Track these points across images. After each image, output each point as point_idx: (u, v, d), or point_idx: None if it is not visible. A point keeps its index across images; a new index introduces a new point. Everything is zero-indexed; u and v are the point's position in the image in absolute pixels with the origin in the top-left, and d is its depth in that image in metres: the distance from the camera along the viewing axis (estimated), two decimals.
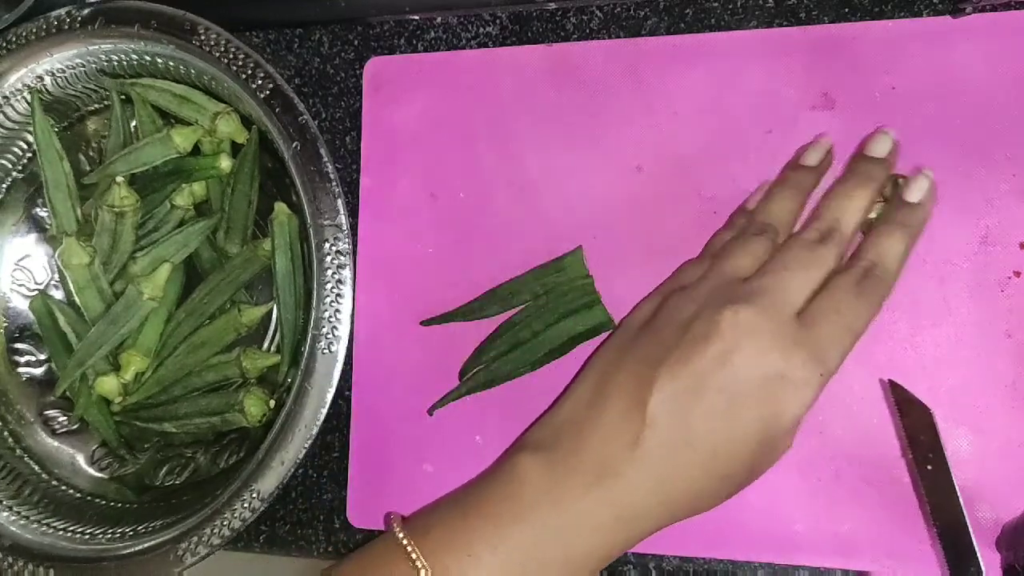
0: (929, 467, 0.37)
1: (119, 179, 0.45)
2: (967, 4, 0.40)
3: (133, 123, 0.48)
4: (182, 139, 0.46)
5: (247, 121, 0.47)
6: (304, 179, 0.41)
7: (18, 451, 0.48)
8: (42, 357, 0.50)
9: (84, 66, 0.47)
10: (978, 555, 0.36)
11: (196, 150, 0.48)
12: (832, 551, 0.40)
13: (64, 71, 0.47)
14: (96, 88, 0.49)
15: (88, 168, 0.50)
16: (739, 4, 0.44)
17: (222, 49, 0.43)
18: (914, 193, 0.37)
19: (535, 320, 0.43)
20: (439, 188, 0.47)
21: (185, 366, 0.47)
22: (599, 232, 0.44)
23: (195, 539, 0.40)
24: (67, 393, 0.48)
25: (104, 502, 0.47)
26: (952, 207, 0.40)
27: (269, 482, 0.39)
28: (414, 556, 0.35)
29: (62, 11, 0.45)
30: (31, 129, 0.48)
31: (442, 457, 0.45)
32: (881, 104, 0.41)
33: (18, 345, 0.50)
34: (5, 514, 0.45)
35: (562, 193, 0.45)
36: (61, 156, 0.47)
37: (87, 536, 0.44)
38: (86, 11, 0.45)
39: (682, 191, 0.43)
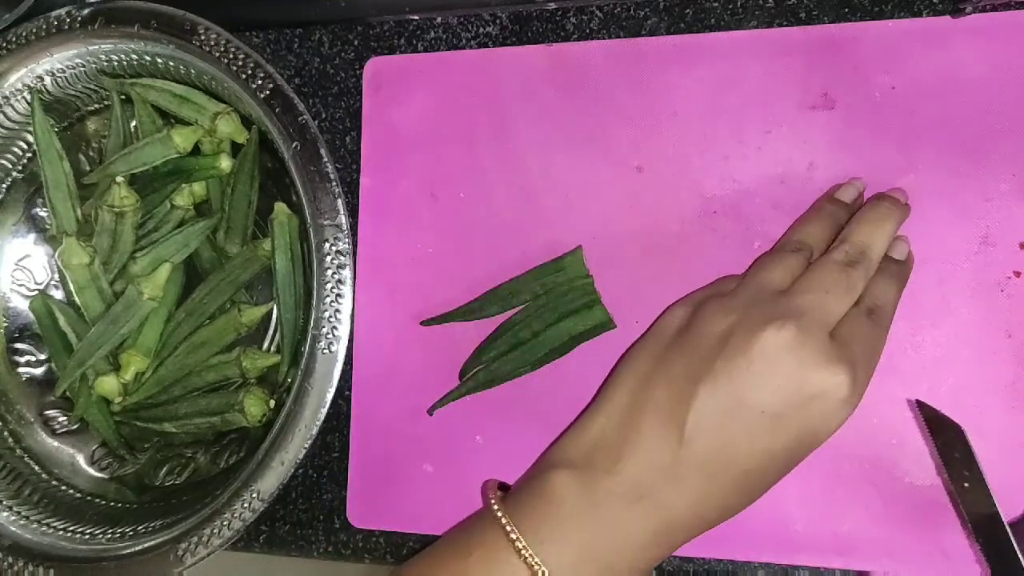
0: (966, 484, 0.37)
1: (119, 179, 0.45)
2: (967, 4, 0.40)
3: (133, 123, 0.48)
4: (182, 139, 0.46)
5: (247, 121, 0.47)
6: (304, 179, 0.41)
7: (18, 451, 0.48)
8: (42, 357, 0.50)
9: (84, 66, 0.47)
10: None
11: (196, 150, 0.48)
12: (832, 551, 0.40)
13: (64, 71, 0.47)
14: (96, 88, 0.49)
15: (88, 168, 0.50)
16: (739, 4, 0.44)
17: (222, 49, 0.43)
18: (898, 252, 0.39)
19: (535, 320, 0.43)
20: (439, 188, 0.47)
21: (185, 366, 0.47)
22: (599, 232, 0.44)
23: (195, 539, 0.40)
24: (67, 393, 0.48)
25: (104, 502, 0.47)
26: (952, 207, 0.40)
27: (269, 482, 0.39)
28: (513, 537, 0.35)
29: (62, 11, 0.45)
30: (31, 129, 0.48)
31: (442, 457, 0.45)
32: (881, 104, 0.41)
33: (18, 345, 0.50)
34: (5, 514, 0.45)
35: (562, 193, 0.45)
36: (61, 156, 0.47)
37: (87, 536, 0.44)
38: (86, 11, 0.45)
39: (682, 191, 0.43)
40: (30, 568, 0.43)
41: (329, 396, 0.39)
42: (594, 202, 0.44)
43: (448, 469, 0.44)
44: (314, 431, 0.39)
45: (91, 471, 0.49)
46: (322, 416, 0.39)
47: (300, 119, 0.42)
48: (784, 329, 0.34)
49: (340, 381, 0.41)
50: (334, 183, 0.41)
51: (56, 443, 0.49)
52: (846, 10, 0.43)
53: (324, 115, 0.50)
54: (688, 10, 0.45)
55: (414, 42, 0.49)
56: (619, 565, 0.35)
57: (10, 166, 0.50)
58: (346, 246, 0.40)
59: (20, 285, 0.50)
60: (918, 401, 0.39)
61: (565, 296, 0.43)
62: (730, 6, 0.44)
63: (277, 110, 0.42)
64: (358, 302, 0.47)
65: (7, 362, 0.49)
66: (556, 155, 0.45)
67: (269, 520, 0.48)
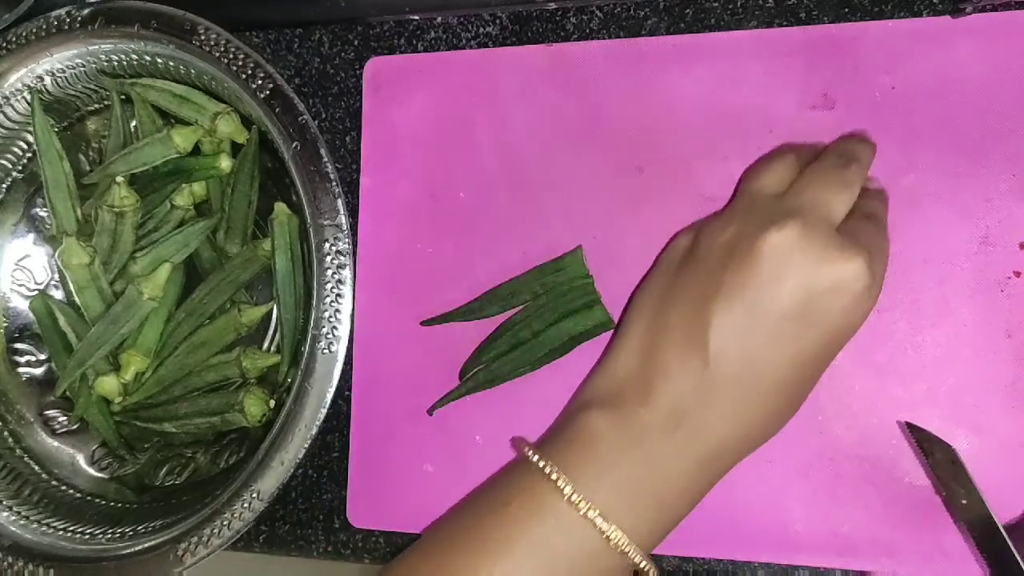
0: (964, 501, 0.37)
1: (119, 179, 0.45)
2: (967, 4, 0.40)
3: (133, 123, 0.48)
4: (182, 139, 0.46)
5: (247, 121, 0.47)
6: (304, 179, 0.41)
7: (18, 451, 0.48)
8: (42, 357, 0.50)
9: (84, 66, 0.47)
10: None
11: (196, 150, 0.48)
12: (832, 551, 0.40)
13: (64, 71, 0.47)
14: (96, 88, 0.49)
15: (88, 168, 0.50)
16: (739, 4, 0.44)
17: (222, 49, 0.43)
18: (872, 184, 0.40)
19: (535, 320, 0.43)
20: (439, 188, 0.47)
21: (185, 366, 0.47)
22: (599, 232, 0.44)
23: (195, 539, 0.40)
24: (67, 393, 0.48)
25: (104, 502, 0.47)
26: (952, 207, 0.40)
27: (269, 482, 0.39)
28: (554, 477, 0.33)
29: (62, 11, 0.45)
30: (31, 129, 0.48)
31: (442, 457, 0.45)
32: (881, 104, 0.41)
33: (18, 345, 0.50)
34: (5, 514, 0.45)
35: (562, 193, 0.45)
36: (61, 156, 0.47)
37: (87, 536, 0.44)
38: (86, 11, 0.45)
39: (682, 191, 0.43)
40: (30, 568, 0.43)
41: (329, 396, 0.39)
42: (594, 202, 0.44)
43: (448, 469, 0.44)
44: (314, 431, 0.39)
45: (91, 471, 0.49)
46: (322, 416, 0.39)
47: (300, 119, 0.42)
48: (787, 228, 0.33)
49: (340, 381, 0.41)
50: (334, 183, 0.41)
51: (56, 443, 0.49)
52: (846, 10, 0.43)
53: (324, 115, 0.50)
54: (688, 10, 0.45)
55: (414, 42, 0.49)
56: (669, 497, 0.34)
57: (10, 166, 0.50)
58: (346, 246, 0.40)
59: (20, 285, 0.50)
60: (908, 423, 0.39)
61: (565, 296, 0.43)
62: (730, 6, 0.44)
63: (277, 110, 0.42)
64: (358, 302, 0.47)
65: (7, 362, 0.49)
66: (556, 155, 0.45)
67: (269, 520, 0.48)
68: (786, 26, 0.43)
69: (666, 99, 0.44)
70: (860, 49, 0.42)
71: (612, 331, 0.43)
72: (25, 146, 0.50)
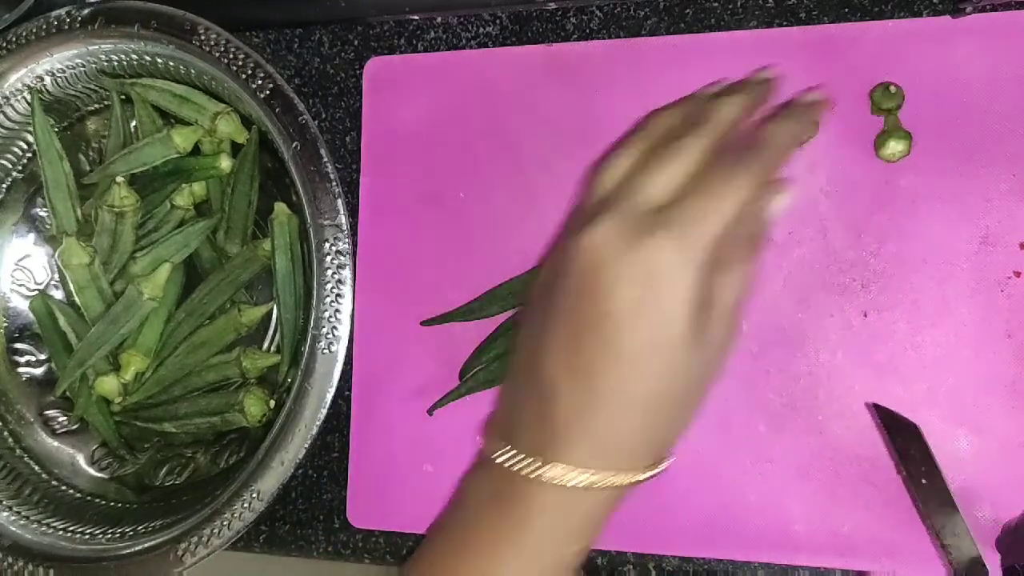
0: (924, 481, 0.37)
1: (119, 179, 0.45)
2: (967, 4, 0.40)
3: (133, 123, 0.48)
4: (182, 139, 0.46)
5: (247, 121, 0.47)
6: (304, 179, 0.41)
7: (18, 451, 0.48)
8: (42, 357, 0.50)
9: (84, 66, 0.47)
10: (984, 563, 0.36)
11: (196, 150, 0.48)
12: (832, 551, 0.40)
13: (64, 71, 0.47)
14: (96, 88, 0.49)
15: (88, 168, 0.50)
16: (739, 4, 0.44)
17: (222, 49, 0.43)
18: (808, 97, 0.37)
19: None
20: (439, 188, 0.47)
21: (185, 366, 0.47)
22: None
23: (195, 539, 0.40)
24: (67, 393, 0.48)
25: (104, 502, 0.47)
26: (952, 207, 0.40)
27: (269, 482, 0.39)
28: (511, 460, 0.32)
29: (62, 11, 0.45)
30: (31, 129, 0.48)
31: (442, 457, 0.45)
32: None
33: (18, 345, 0.50)
34: (5, 514, 0.45)
35: (562, 193, 0.45)
36: (61, 156, 0.47)
37: (87, 536, 0.44)
38: (86, 11, 0.45)
39: None
40: (30, 568, 0.43)
41: (329, 396, 0.39)
42: None
43: (448, 469, 0.44)
44: (314, 431, 0.39)
45: (91, 471, 0.49)
46: (322, 416, 0.39)
47: (300, 119, 0.42)
48: (588, 233, 0.32)
49: (340, 381, 0.41)
50: (334, 183, 0.41)
51: (56, 443, 0.49)
52: (846, 10, 0.43)
53: (324, 115, 0.50)
54: (688, 10, 0.45)
55: (414, 42, 0.49)
56: (637, 448, 0.32)
57: (10, 166, 0.50)
58: (346, 246, 0.40)
59: (20, 285, 0.50)
60: (874, 404, 0.39)
61: None
62: (730, 6, 0.44)
63: (277, 110, 0.42)
64: (358, 302, 0.47)
65: (7, 362, 0.49)
66: (556, 155, 0.45)
67: (269, 520, 0.48)
68: (786, 26, 0.43)
69: (666, 99, 0.44)
70: (860, 49, 0.42)
71: None
72: (25, 146, 0.50)
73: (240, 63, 0.42)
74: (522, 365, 0.34)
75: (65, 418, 0.49)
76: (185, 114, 0.47)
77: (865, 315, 0.41)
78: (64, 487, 0.48)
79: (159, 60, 0.46)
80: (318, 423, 0.39)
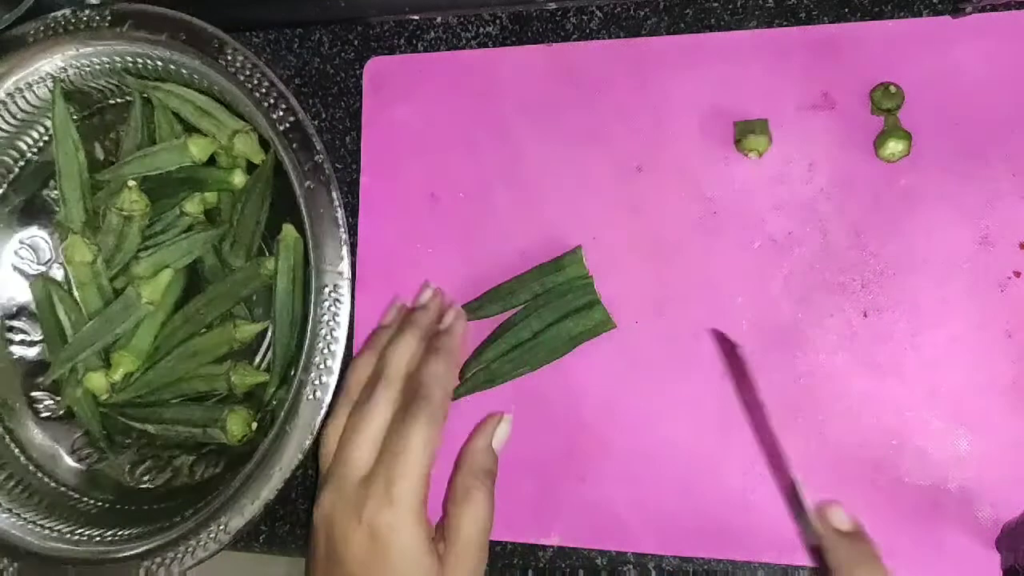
0: (745, 397, 0.40)
1: (130, 183, 0.45)
2: (967, 4, 0.40)
3: (152, 125, 0.48)
4: (198, 149, 0.46)
5: (265, 142, 0.47)
6: (312, 220, 0.41)
7: (1, 431, 0.48)
8: (36, 338, 0.50)
9: (109, 64, 0.47)
10: (797, 483, 0.38)
11: (212, 160, 0.47)
12: None
13: (89, 66, 0.47)
14: (119, 85, 0.49)
15: (103, 157, 0.50)
16: (739, 4, 0.44)
17: (247, 73, 0.42)
18: (447, 321, 0.42)
19: (535, 320, 0.43)
20: (439, 188, 0.47)
21: (175, 372, 0.47)
22: (599, 232, 0.44)
23: (159, 559, 0.40)
24: (57, 380, 0.48)
25: (78, 496, 0.47)
26: (952, 207, 0.40)
27: (238, 518, 0.39)
28: None
29: (92, 8, 0.45)
30: (50, 115, 0.48)
31: (442, 457, 0.45)
32: None
33: (15, 323, 0.50)
34: None
35: (562, 193, 0.45)
36: (77, 147, 0.47)
37: (55, 533, 0.44)
38: (116, 10, 0.45)
39: (682, 191, 0.43)
40: None
41: (308, 443, 0.39)
42: (594, 202, 0.44)
43: (448, 469, 0.44)
44: (288, 474, 0.39)
45: (70, 461, 0.49)
46: (298, 460, 0.39)
47: (316, 158, 0.41)
48: (320, 505, 0.37)
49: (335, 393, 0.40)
50: (342, 229, 0.40)
51: (39, 429, 0.49)
52: (846, 10, 0.43)
53: (324, 115, 0.50)
54: (688, 10, 0.45)
55: (414, 42, 0.49)
56: None
57: (26, 148, 0.50)
58: (344, 294, 0.40)
59: (24, 261, 0.51)
60: (713, 329, 0.41)
61: (565, 296, 0.43)
62: (730, 6, 0.44)
63: (294, 145, 0.41)
64: (358, 302, 0.47)
65: (2, 340, 0.50)
66: (556, 155, 0.45)
67: (269, 520, 0.47)
68: (786, 26, 0.43)
69: (666, 99, 0.44)
70: (860, 49, 0.42)
71: (612, 330, 0.43)
72: (43, 130, 0.50)
73: (264, 90, 0.42)
74: None
75: (52, 402, 0.49)
76: (204, 127, 0.47)
77: (865, 315, 0.41)
78: (42, 475, 0.48)
79: (184, 70, 0.46)
80: (293, 467, 0.39)
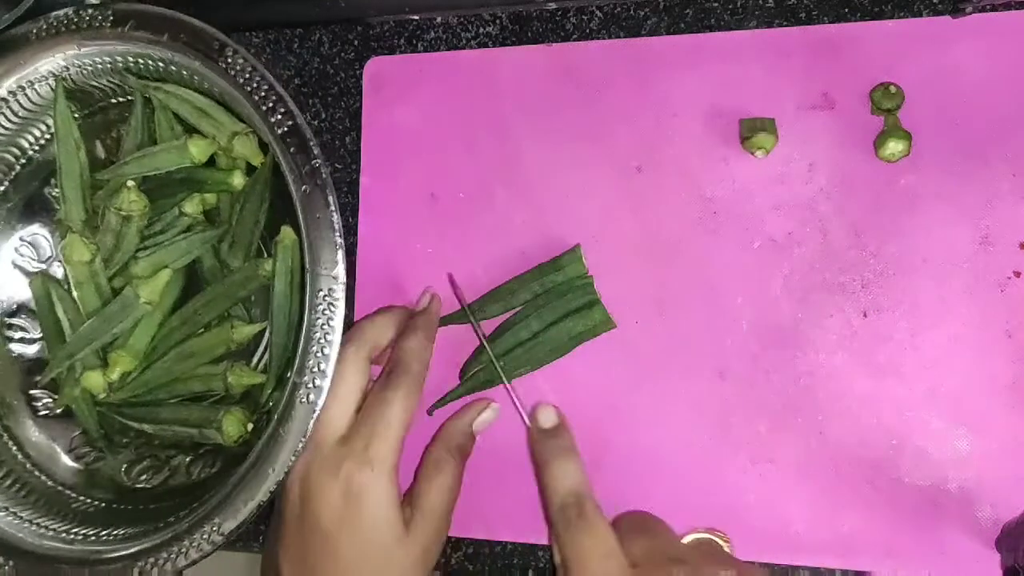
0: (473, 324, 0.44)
1: (129, 183, 0.45)
2: (967, 4, 0.40)
3: (153, 125, 0.48)
4: (198, 150, 0.46)
5: (264, 144, 0.47)
6: (308, 224, 0.40)
7: None
8: (36, 335, 0.50)
9: (111, 63, 0.47)
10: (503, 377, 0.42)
11: (212, 161, 0.47)
12: (832, 551, 0.40)
13: (91, 65, 0.47)
14: (120, 84, 0.49)
15: (104, 155, 0.50)
16: (739, 4, 0.44)
17: (246, 76, 0.42)
18: (423, 303, 0.44)
19: (535, 320, 0.43)
20: (439, 188, 0.47)
21: (172, 372, 0.47)
22: (599, 232, 0.44)
23: (152, 559, 0.40)
24: (55, 379, 0.48)
25: (74, 495, 0.47)
26: (952, 207, 0.40)
27: (231, 520, 0.39)
28: None
29: (94, 8, 0.45)
30: (52, 114, 0.48)
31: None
32: None
33: (14, 320, 0.50)
34: None
35: (562, 193, 0.45)
36: (78, 146, 0.47)
37: (50, 532, 0.44)
38: (118, 10, 0.45)
39: (682, 191, 0.43)
40: None
41: (301, 446, 0.39)
42: (594, 202, 0.44)
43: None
44: (281, 477, 0.39)
45: (68, 460, 0.49)
46: (291, 462, 0.39)
47: (314, 162, 0.41)
48: (296, 468, 0.40)
49: None
50: (337, 233, 0.40)
51: (37, 427, 0.49)
52: (846, 10, 0.43)
53: (324, 115, 0.50)
54: (688, 10, 0.45)
55: (414, 42, 0.49)
56: None
57: (27, 146, 0.50)
58: (339, 297, 0.40)
59: (25, 258, 0.51)
60: (449, 275, 0.45)
61: (565, 296, 0.43)
62: (730, 6, 0.44)
63: (292, 149, 0.41)
64: (358, 302, 0.47)
65: (1, 337, 0.50)
66: (556, 155, 0.45)
67: (269, 520, 0.47)
68: (786, 26, 0.43)
69: (666, 99, 0.44)
70: (860, 49, 0.42)
71: (612, 330, 0.43)
72: (45, 128, 0.50)
73: (263, 93, 0.42)
74: (269, 562, 0.41)
75: (50, 400, 0.49)
76: (203, 128, 0.46)
77: (865, 315, 0.41)
78: (39, 473, 0.48)
79: (184, 71, 0.46)
80: (286, 470, 0.39)
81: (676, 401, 0.42)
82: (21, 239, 0.51)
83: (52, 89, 0.47)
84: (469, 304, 0.45)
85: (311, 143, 0.41)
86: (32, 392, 0.49)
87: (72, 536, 0.44)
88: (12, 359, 0.50)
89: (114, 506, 0.47)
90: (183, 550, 0.40)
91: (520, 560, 0.44)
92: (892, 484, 0.40)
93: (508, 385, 0.43)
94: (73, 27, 0.45)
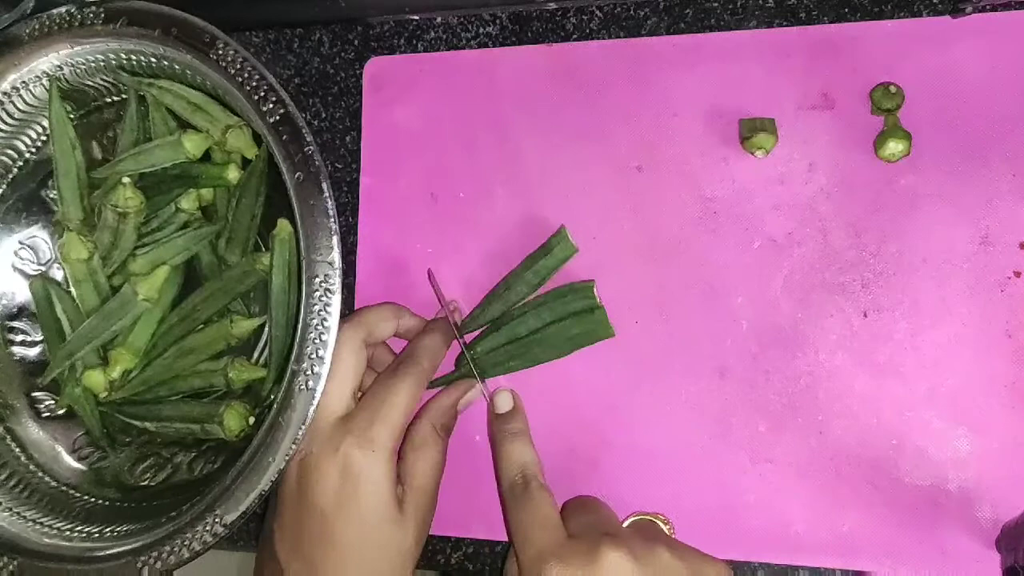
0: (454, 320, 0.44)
1: (125, 180, 0.45)
2: (967, 4, 0.40)
3: (148, 121, 0.48)
4: (192, 145, 0.46)
5: (258, 137, 0.47)
6: (303, 211, 0.41)
7: (1, 431, 0.48)
8: (37, 338, 0.50)
9: (104, 61, 0.47)
10: (483, 385, 0.43)
11: (207, 156, 0.47)
12: (832, 551, 0.40)
13: (84, 63, 0.47)
14: (115, 82, 0.49)
15: (101, 155, 0.50)
16: (739, 4, 0.44)
17: (237, 67, 0.42)
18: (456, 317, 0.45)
19: (532, 316, 0.43)
20: (439, 188, 0.47)
21: (172, 369, 0.46)
22: (599, 232, 0.44)
23: (155, 554, 0.40)
24: (56, 380, 0.48)
25: (78, 495, 0.47)
26: (952, 207, 0.40)
27: (233, 510, 0.39)
28: None
29: (88, 5, 0.45)
30: (47, 114, 0.48)
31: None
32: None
33: (15, 324, 0.50)
34: None
35: (562, 193, 0.45)
36: (74, 145, 0.47)
37: (54, 531, 0.44)
38: (110, 7, 0.45)
39: (682, 191, 0.43)
40: None
41: (301, 432, 0.39)
42: (594, 202, 0.44)
43: (448, 469, 0.44)
44: (283, 465, 0.39)
45: (71, 461, 0.49)
46: (292, 451, 0.39)
47: (306, 149, 0.41)
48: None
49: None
50: (331, 219, 0.40)
51: (40, 429, 0.49)
52: (846, 10, 0.43)
53: (324, 115, 0.50)
54: (688, 10, 0.45)
55: (414, 42, 0.49)
56: None
57: (24, 148, 0.50)
58: (335, 284, 0.40)
59: (24, 262, 0.51)
60: (429, 271, 0.45)
61: (565, 297, 0.43)
62: (730, 6, 0.44)
63: (284, 137, 0.41)
64: (358, 301, 0.47)
65: (1, 340, 0.49)
66: (556, 155, 0.45)
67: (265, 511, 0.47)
68: (786, 26, 0.43)
69: (666, 99, 0.44)
70: (860, 49, 0.42)
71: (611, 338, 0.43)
72: (41, 129, 0.50)
73: (254, 84, 0.42)
74: (266, 545, 0.41)
75: (52, 402, 0.49)
76: (197, 122, 0.47)
77: (865, 315, 0.41)
78: (42, 474, 0.48)
79: (176, 65, 0.46)
80: (287, 457, 0.39)
81: (676, 401, 0.42)
82: (20, 242, 0.51)
83: (47, 89, 0.47)
84: (472, 312, 0.45)
85: (303, 130, 0.41)
86: (34, 394, 0.49)
87: (76, 534, 0.44)
88: (14, 362, 0.50)
89: (118, 504, 0.47)
90: (186, 542, 0.40)
91: None
92: (892, 484, 0.40)
93: (482, 382, 0.43)
94: (66, 26, 0.45)
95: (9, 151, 0.50)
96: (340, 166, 0.49)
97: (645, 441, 0.42)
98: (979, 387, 0.39)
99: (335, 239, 0.40)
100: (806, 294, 0.41)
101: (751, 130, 0.41)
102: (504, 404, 0.43)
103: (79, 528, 0.44)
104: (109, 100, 0.50)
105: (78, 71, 0.47)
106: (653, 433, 0.42)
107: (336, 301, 0.39)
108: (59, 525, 0.45)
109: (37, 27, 0.46)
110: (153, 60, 0.46)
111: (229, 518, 0.39)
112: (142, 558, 0.40)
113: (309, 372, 0.39)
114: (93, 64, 0.47)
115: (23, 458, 0.48)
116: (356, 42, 0.50)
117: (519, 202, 0.45)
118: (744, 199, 0.42)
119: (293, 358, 0.39)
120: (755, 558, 0.41)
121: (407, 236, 0.47)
